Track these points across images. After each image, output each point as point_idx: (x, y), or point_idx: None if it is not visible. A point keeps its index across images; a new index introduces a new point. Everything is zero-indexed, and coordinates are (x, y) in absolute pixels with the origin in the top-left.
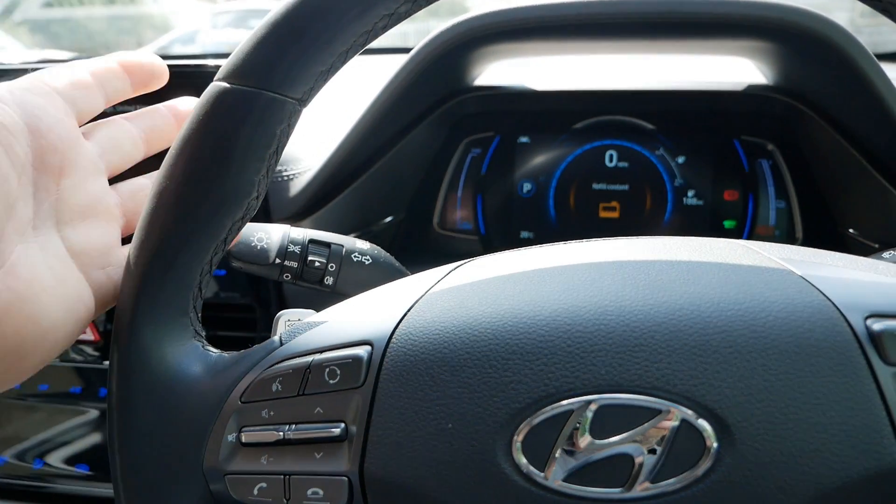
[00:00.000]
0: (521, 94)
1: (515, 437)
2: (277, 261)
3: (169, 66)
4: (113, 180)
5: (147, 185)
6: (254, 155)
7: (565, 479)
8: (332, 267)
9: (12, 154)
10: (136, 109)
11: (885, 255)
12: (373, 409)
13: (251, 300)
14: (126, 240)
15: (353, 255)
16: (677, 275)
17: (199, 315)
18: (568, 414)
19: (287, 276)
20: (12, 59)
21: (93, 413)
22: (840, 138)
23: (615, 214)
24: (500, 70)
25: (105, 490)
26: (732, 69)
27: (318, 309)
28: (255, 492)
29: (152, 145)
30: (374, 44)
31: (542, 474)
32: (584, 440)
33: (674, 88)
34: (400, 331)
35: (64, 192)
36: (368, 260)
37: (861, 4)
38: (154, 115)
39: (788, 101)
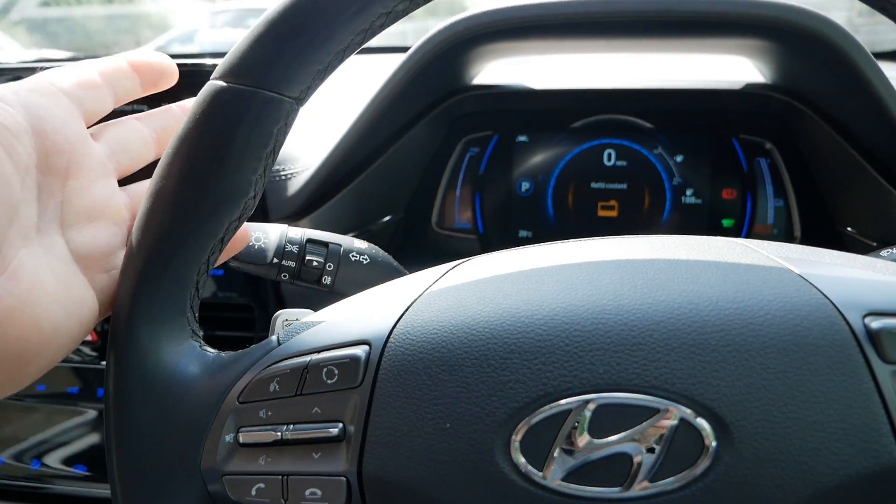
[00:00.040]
0: (519, 92)
1: (514, 437)
2: (275, 260)
3: None
4: (124, 181)
5: None
6: (251, 154)
7: (564, 479)
8: (329, 266)
9: (15, 156)
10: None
11: (883, 253)
12: (371, 408)
13: (249, 300)
14: None
15: (351, 255)
16: (675, 274)
17: (197, 315)
18: (566, 413)
19: (285, 276)
20: (10, 59)
21: (90, 413)
22: (838, 137)
23: (613, 213)
24: (499, 69)
25: (103, 491)
26: (731, 68)
27: (316, 308)
28: (253, 492)
29: (164, 145)
30: (373, 42)
31: (541, 474)
32: (583, 439)
33: (672, 87)
34: (398, 330)
35: (70, 194)
36: (366, 259)
37: (859, 3)
38: (166, 116)
39: (787, 100)
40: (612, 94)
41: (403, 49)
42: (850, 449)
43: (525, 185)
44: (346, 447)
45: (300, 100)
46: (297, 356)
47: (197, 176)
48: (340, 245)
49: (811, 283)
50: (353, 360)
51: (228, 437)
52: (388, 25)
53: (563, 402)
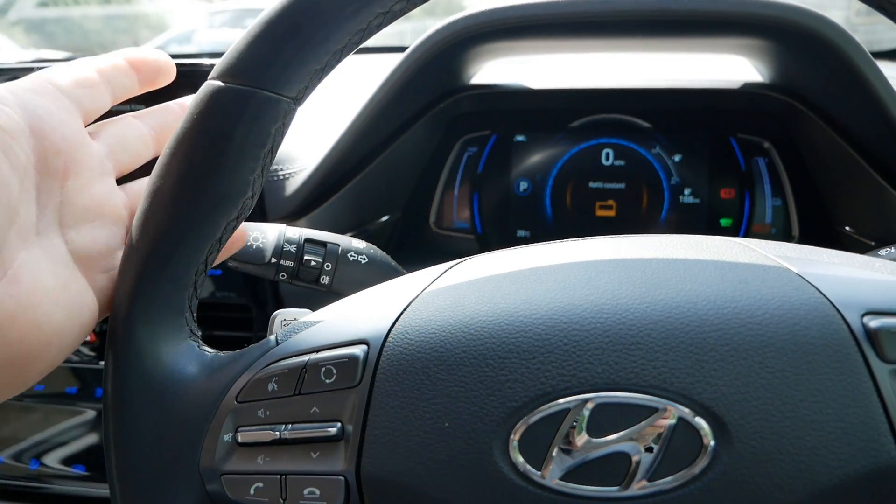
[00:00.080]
0: (517, 92)
1: (512, 436)
2: (273, 260)
3: None
4: (123, 180)
5: None
6: (248, 154)
7: (562, 478)
8: (328, 266)
9: (13, 157)
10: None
11: (882, 252)
12: (369, 408)
13: (247, 300)
14: None
15: (349, 255)
16: (674, 273)
17: (195, 315)
18: (565, 412)
19: (283, 276)
20: (7, 59)
21: (89, 413)
22: (836, 136)
23: (612, 213)
24: (497, 68)
25: (101, 490)
26: (729, 67)
27: (314, 308)
28: (252, 492)
29: (163, 144)
30: (370, 42)
31: (539, 473)
32: (581, 439)
33: (670, 87)
34: (396, 330)
35: (68, 194)
36: (365, 259)
37: (857, 3)
38: (165, 113)
39: (784, 99)
40: (609, 93)
41: (401, 49)
42: (848, 448)
43: (523, 185)
44: (344, 447)
45: (298, 99)
46: (295, 356)
47: (195, 175)
48: (338, 245)
49: (809, 283)
50: (352, 359)
51: (227, 437)
52: (386, 25)
53: (561, 401)
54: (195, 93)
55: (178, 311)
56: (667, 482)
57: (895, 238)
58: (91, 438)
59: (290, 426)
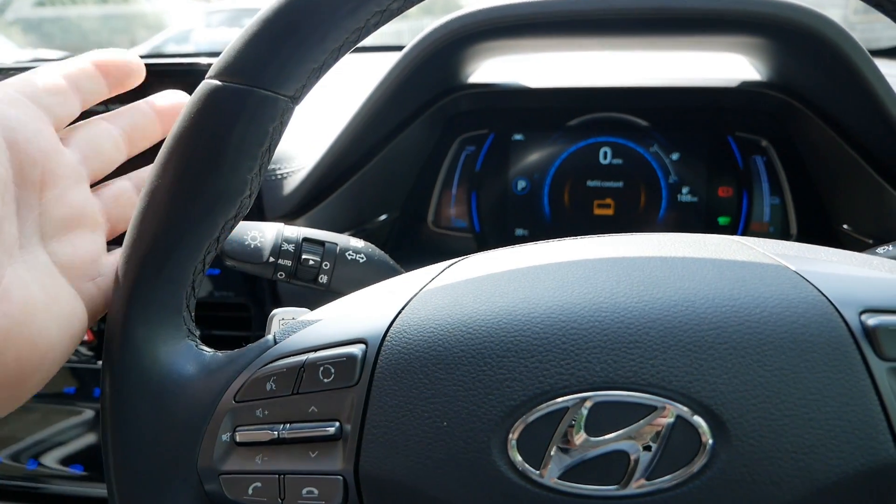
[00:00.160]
0: (515, 91)
1: (510, 435)
2: (271, 259)
3: (162, 64)
4: (94, 184)
5: (129, 187)
6: (246, 153)
7: (561, 477)
8: (326, 265)
9: None
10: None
11: (880, 250)
12: (367, 407)
13: (245, 299)
14: (115, 241)
15: (347, 254)
16: (672, 271)
17: (193, 314)
18: (563, 411)
19: (281, 275)
20: (5, 59)
21: (87, 413)
22: (834, 134)
23: (610, 211)
24: (494, 67)
25: (99, 490)
26: (726, 65)
27: (312, 307)
28: (250, 491)
29: (135, 145)
30: (368, 41)
31: (538, 472)
32: (580, 437)
33: (668, 85)
34: (394, 329)
35: (46, 205)
36: (363, 258)
37: (855, 1)
38: (135, 113)
39: (782, 98)
40: (607, 92)
41: (399, 48)
42: (846, 446)
43: (521, 184)
44: (342, 446)
45: (295, 98)
46: (293, 355)
47: (193, 175)
48: (336, 244)
49: (807, 280)
50: (350, 358)
51: (225, 437)
52: (384, 24)
53: (559, 400)
54: (191, 91)
55: (176, 310)
56: (665, 481)
57: (893, 236)
58: (89, 438)
59: (288, 426)
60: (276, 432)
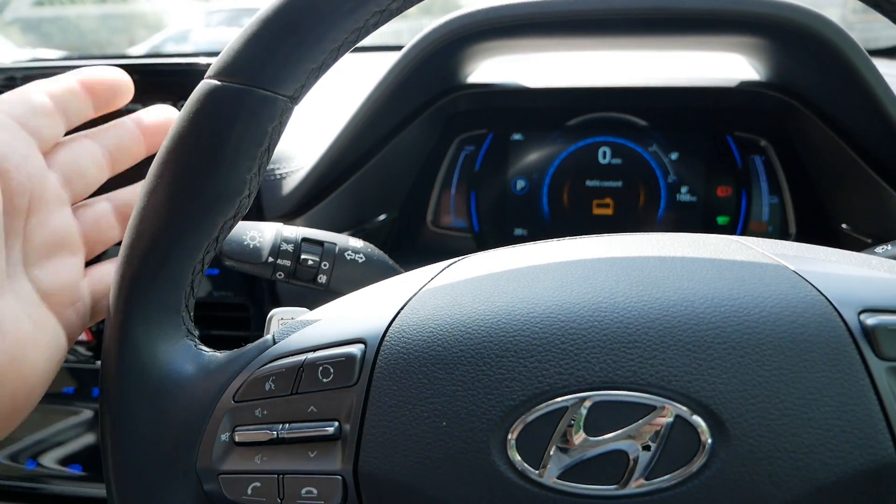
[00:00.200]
0: (514, 91)
1: (510, 435)
2: (270, 259)
3: (161, 64)
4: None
5: (109, 210)
6: (245, 153)
7: (560, 477)
8: (325, 265)
9: None
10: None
11: (879, 249)
12: (366, 407)
13: (244, 299)
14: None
15: (346, 254)
16: (671, 271)
17: (192, 314)
18: (562, 411)
19: (280, 275)
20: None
21: (86, 413)
22: (832, 134)
23: (609, 211)
24: (493, 67)
25: (98, 490)
26: (725, 65)
27: (311, 307)
28: (249, 491)
29: (117, 164)
30: (367, 41)
31: (537, 472)
32: (579, 437)
33: (667, 85)
34: (393, 329)
35: (31, 231)
36: (362, 258)
37: (854, 1)
38: (120, 130)
39: (781, 97)
40: (606, 91)
41: (398, 48)
42: (845, 446)
43: (520, 184)
44: (341, 446)
45: (294, 98)
46: (292, 355)
47: (191, 175)
48: (335, 244)
49: (806, 280)
50: (349, 358)
51: (224, 437)
52: (383, 23)
53: (558, 399)
54: (190, 91)
55: (175, 310)
56: (664, 480)
57: (892, 236)
58: (88, 438)
59: (287, 425)
60: (275, 432)
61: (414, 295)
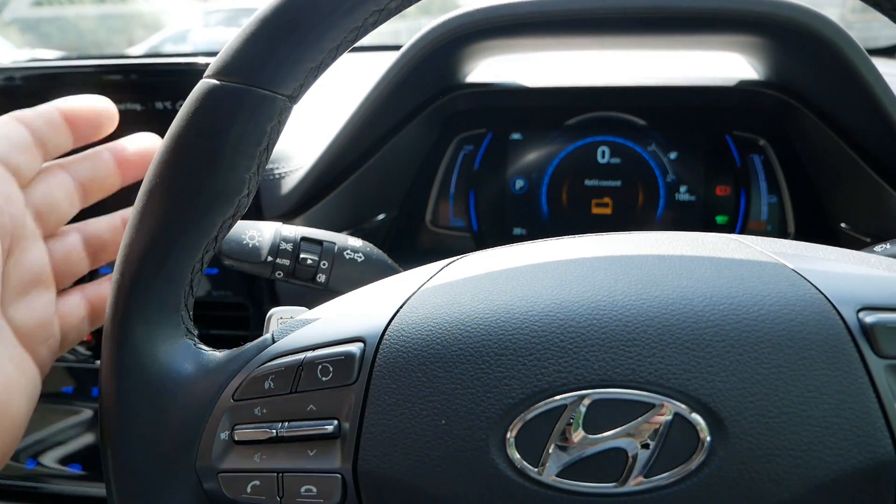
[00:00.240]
0: (512, 90)
1: (509, 433)
2: (269, 258)
3: (159, 63)
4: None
5: (79, 243)
6: (244, 152)
7: (559, 475)
8: (324, 264)
9: None
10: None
11: (877, 248)
12: (366, 405)
13: (243, 298)
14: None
15: (345, 253)
16: (670, 269)
17: (191, 313)
18: (561, 409)
19: (279, 274)
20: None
21: (85, 413)
22: (831, 133)
23: (608, 211)
24: (492, 66)
25: (98, 490)
26: (724, 64)
27: (310, 306)
28: (249, 489)
29: (90, 197)
30: (365, 41)
31: (536, 469)
32: (578, 435)
33: (665, 84)
34: (392, 327)
35: (8, 270)
36: (361, 257)
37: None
38: (95, 162)
39: (780, 97)
40: (605, 91)
41: (396, 47)
42: (844, 443)
43: (519, 183)
44: (341, 444)
45: (293, 98)
46: (291, 354)
47: (190, 174)
48: (335, 243)
49: (805, 278)
50: (348, 357)
51: (223, 435)
52: (381, 23)
53: (557, 397)
54: (188, 91)
55: (175, 309)
56: (663, 478)
57: (891, 234)
58: (88, 438)
59: (286, 424)
60: (274, 431)
61: (413, 294)
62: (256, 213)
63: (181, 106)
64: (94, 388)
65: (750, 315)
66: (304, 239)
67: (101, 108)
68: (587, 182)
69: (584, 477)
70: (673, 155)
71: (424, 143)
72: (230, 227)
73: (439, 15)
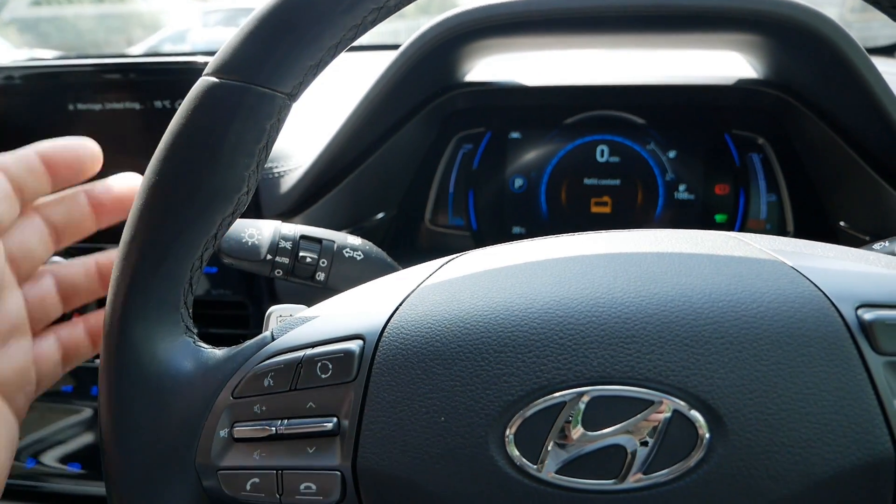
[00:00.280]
0: (511, 89)
1: (508, 430)
2: (269, 257)
3: (158, 62)
4: None
5: (52, 288)
6: (243, 150)
7: (558, 471)
8: (323, 263)
9: None
10: None
11: (876, 246)
12: (365, 403)
13: (243, 297)
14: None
15: (344, 251)
16: (669, 267)
17: (191, 311)
18: (560, 406)
19: (279, 272)
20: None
21: (85, 411)
22: (830, 132)
23: (607, 209)
24: (491, 65)
25: (98, 489)
26: (723, 63)
27: (310, 304)
28: (248, 487)
29: (63, 241)
30: (364, 40)
31: (535, 466)
32: (577, 432)
33: (664, 83)
34: (392, 325)
35: None
36: (360, 255)
37: None
38: (70, 205)
39: (779, 95)
40: (604, 90)
41: (395, 47)
42: (843, 440)
43: (518, 182)
44: (340, 441)
45: (293, 96)
46: (290, 351)
47: (190, 172)
48: (334, 241)
49: (804, 276)
50: (347, 354)
51: (223, 433)
52: (380, 21)
53: (557, 394)
54: (187, 89)
55: (174, 307)
56: (662, 475)
57: (890, 233)
58: (87, 437)
59: (286, 421)
60: (273, 428)
61: (412, 291)
62: (256, 211)
63: (180, 104)
64: (94, 387)
65: (749, 312)
66: (303, 237)
67: (82, 151)
68: (586, 181)
69: (583, 474)
70: (672, 154)
71: (423, 142)
72: (229, 224)
73: (438, 14)
